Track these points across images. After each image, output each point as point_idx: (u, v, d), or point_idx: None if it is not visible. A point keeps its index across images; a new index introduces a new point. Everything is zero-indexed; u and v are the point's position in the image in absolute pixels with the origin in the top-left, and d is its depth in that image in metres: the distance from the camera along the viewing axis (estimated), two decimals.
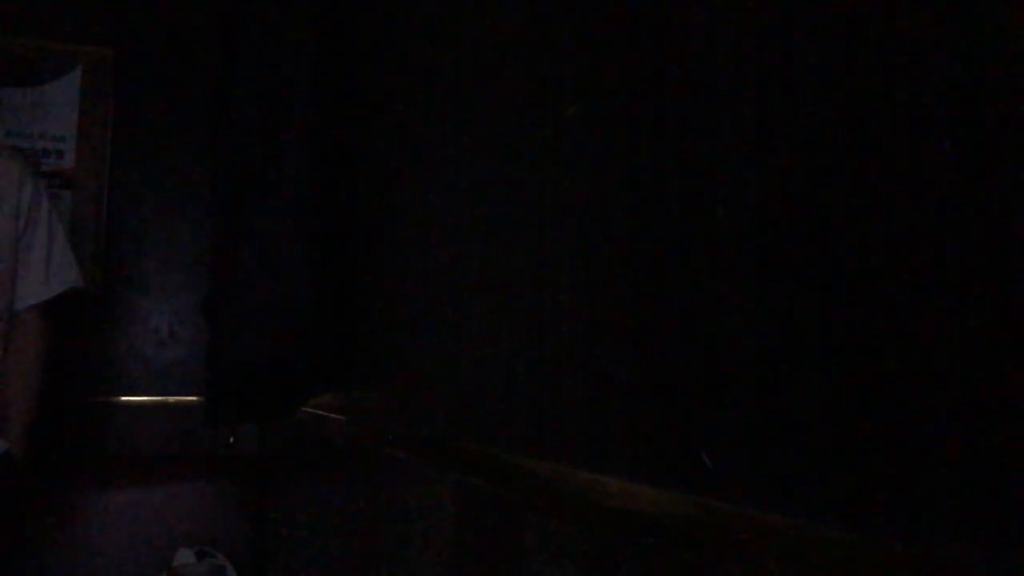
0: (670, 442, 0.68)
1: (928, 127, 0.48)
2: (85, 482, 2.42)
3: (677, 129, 0.70)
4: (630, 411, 0.74)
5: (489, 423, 1.03)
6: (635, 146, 0.76)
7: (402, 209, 1.47)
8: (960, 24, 0.47)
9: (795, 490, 0.56)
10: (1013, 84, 0.44)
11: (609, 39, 0.81)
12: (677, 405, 0.68)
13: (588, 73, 0.85)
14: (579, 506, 0.79)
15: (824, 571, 0.52)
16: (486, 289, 1.06)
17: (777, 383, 0.58)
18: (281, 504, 2.38)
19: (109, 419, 2.53)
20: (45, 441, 1.87)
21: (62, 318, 1.94)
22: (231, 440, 2.55)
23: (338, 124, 1.82)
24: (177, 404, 2.58)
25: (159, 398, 2.58)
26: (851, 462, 0.52)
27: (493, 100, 1.08)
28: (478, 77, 1.14)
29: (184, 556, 2.38)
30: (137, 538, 2.42)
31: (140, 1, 2.68)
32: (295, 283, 1.71)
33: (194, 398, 2.54)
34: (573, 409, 0.84)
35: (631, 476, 0.72)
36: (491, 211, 1.07)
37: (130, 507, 2.45)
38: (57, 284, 1.86)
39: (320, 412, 1.90)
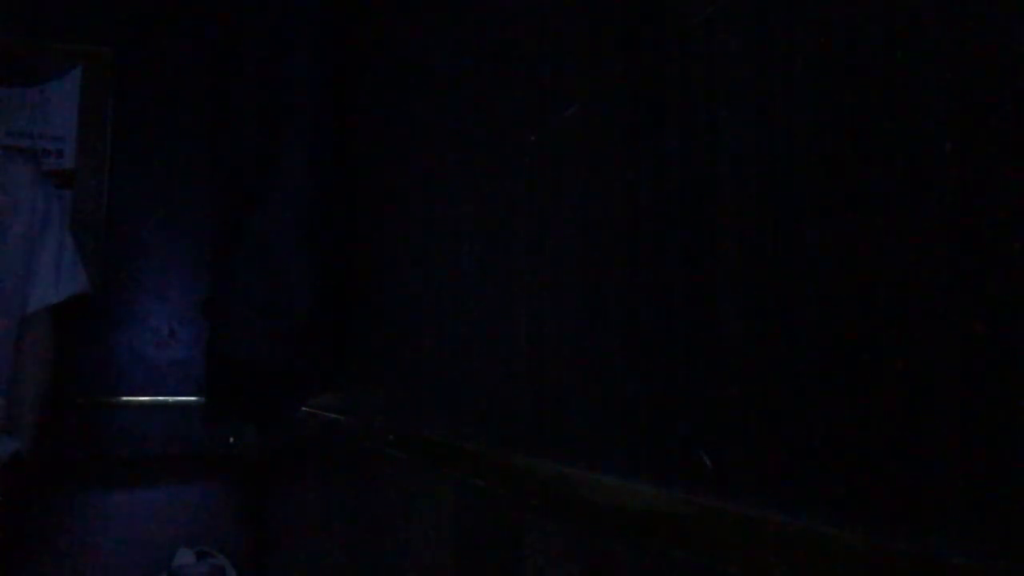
0: (669, 441, 0.68)
1: (928, 128, 0.48)
2: (85, 482, 2.42)
3: (676, 127, 0.70)
4: (630, 411, 0.74)
5: (489, 423, 1.03)
6: (633, 145, 0.76)
7: (402, 208, 1.47)
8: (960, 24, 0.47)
9: (795, 490, 0.56)
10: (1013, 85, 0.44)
11: (609, 39, 0.81)
12: (677, 404, 0.68)
13: (588, 73, 0.85)
14: (579, 506, 0.79)
15: (824, 571, 0.52)
16: (486, 288, 1.06)
17: (777, 382, 0.58)
18: (281, 504, 2.38)
19: (109, 419, 2.53)
20: (45, 441, 1.88)
21: (66, 320, 1.96)
22: (231, 440, 2.55)
23: (338, 123, 1.82)
24: (177, 404, 2.58)
25: (159, 398, 2.57)
26: (851, 461, 0.52)
27: (494, 98, 1.08)
28: (478, 75, 1.13)
29: (184, 556, 2.38)
30: (137, 538, 2.42)
31: (140, 1, 2.68)
32: (295, 283, 1.71)
33: (194, 398, 2.55)
34: (573, 409, 0.84)
35: (631, 476, 0.72)
36: (491, 209, 1.07)
37: (130, 507, 2.45)
38: (66, 289, 1.88)
39: (320, 412, 1.90)
